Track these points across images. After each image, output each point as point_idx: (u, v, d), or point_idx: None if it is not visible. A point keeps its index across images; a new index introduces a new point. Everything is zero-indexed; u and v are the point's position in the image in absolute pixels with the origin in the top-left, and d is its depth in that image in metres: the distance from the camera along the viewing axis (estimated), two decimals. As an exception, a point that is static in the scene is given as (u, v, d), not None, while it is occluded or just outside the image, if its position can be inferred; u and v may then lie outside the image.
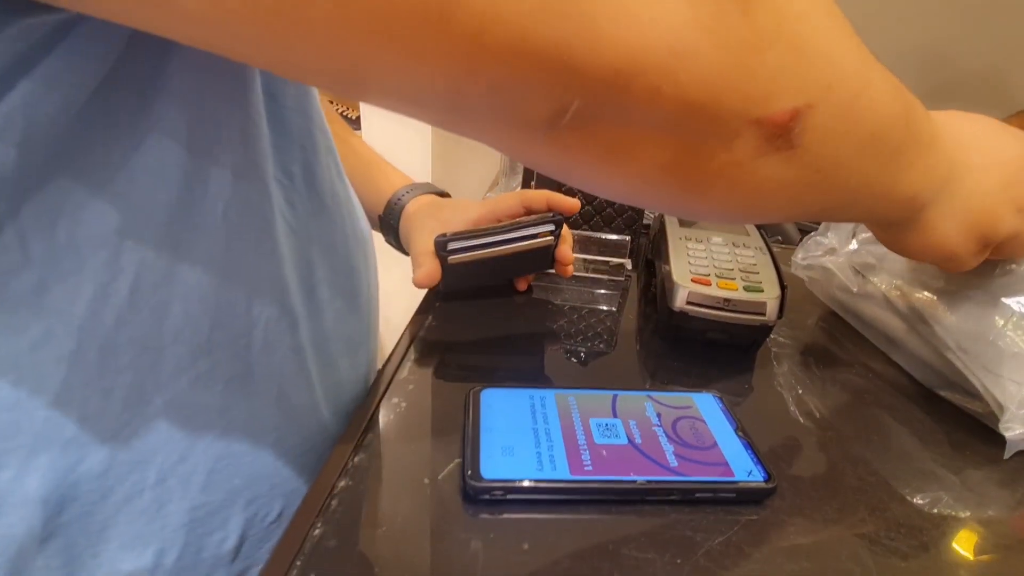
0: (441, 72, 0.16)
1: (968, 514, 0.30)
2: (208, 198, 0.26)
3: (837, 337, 0.47)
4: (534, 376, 0.39)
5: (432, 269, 0.42)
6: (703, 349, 0.42)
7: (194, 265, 0.26)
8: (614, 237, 0.53)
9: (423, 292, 0.47)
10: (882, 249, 0.43)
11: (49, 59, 0.20)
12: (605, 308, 0.48)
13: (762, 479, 0.28)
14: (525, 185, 0.60)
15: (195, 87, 0.24)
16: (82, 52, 0.20)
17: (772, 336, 0.44)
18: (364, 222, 0.40)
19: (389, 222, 0.50)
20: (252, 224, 0.28)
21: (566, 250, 0.46)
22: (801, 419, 0.36)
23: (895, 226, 0.30)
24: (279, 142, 0.29)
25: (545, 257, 0.46)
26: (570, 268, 0.47)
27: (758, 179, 0.21)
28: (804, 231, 0.58)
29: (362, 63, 0.16)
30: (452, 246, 0.41)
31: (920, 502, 0.30)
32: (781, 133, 0.19)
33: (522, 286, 0.49)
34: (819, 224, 0.54)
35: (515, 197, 0.46)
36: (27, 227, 0.22)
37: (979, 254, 0.32)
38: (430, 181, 0.53)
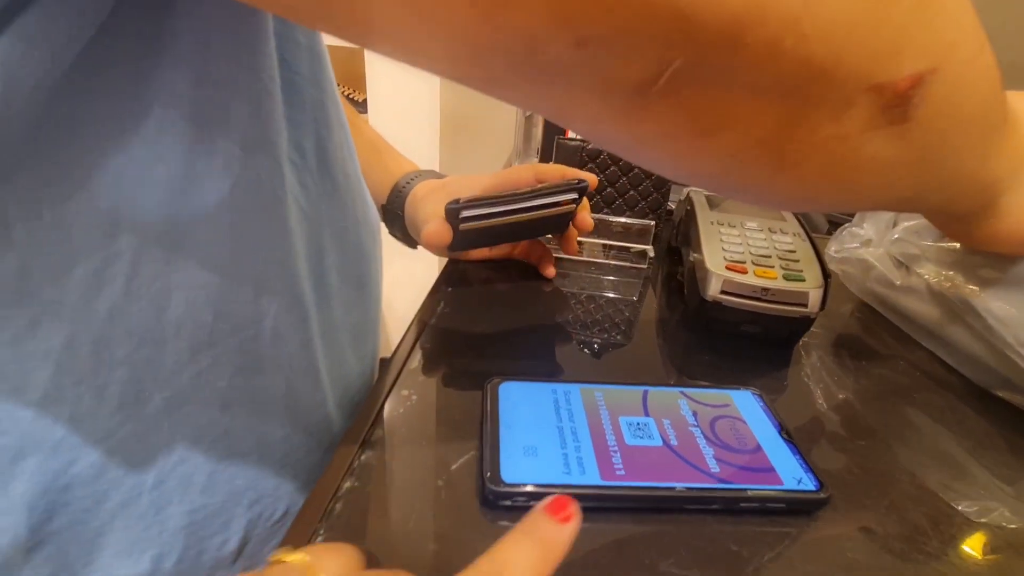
0: (524, 24, 0.13)
1: (1038, 529, 0.27)
2: (213, 175, 0.23)
3: (876, 332, 0.44)
4: (554, 368, 0.36)
5: (441, 227, 0.37)
6: (733, 343, 0.39)
7: (197, 249, 0.23)
8: (637, 222, 0.50)
9: (429, 284, 0.44)
10: (927, 239, 0.40)
11: (29, 12, 0.17)
12: (626, 297, 0.45)
13: (814, 488, 0.26)
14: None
15: (203, 48, 0.21)
16: (68, 3, 0.17)
17: (807, 330, 0.41)
18: (372, 203, 0.37)
19: (394, 210, 0.47)
20: (262, 205, 0.25)
21: (586, 216, 0.42)
22: (844, 421, 0.33)
23: (970, 215, 0.28)
24: (292, 115, 0.26)
25: (562, 223, 0.42)
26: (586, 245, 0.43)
27: (859, 156, 0.18)
28: (834, 223, 0.55)
29: (438, 11, 0.13)
30: (465, 214, 0.36)
31: (985, 517, 0.27)
32: (899, 103, 0.17)
33: (550, 272, 0.46)
34: (852, 215, 0.51)
35: (528, 170, 0.43)
36: (7, 205, 0.19)
37: None
38: (438, 166, 0.49)
